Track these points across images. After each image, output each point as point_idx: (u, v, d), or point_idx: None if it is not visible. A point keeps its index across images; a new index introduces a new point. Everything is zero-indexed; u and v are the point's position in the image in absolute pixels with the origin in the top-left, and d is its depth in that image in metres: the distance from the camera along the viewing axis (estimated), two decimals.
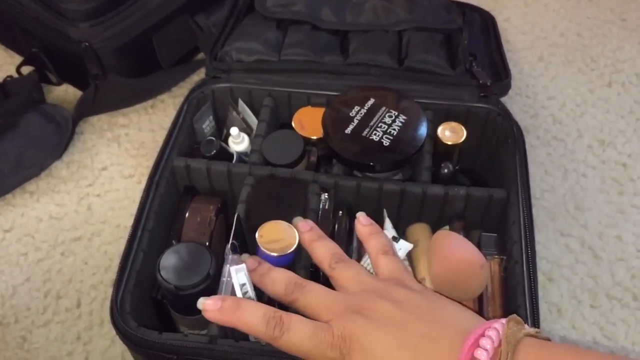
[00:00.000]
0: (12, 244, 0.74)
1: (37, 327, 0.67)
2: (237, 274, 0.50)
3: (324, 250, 0.48)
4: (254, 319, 0.42)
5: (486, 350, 0.35)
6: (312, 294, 0.44)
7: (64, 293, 0.70)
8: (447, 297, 0.43)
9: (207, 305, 0.43)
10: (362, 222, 0.51)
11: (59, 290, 0.70)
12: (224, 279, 0.51)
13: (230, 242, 0.52)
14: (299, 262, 0.56)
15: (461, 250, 0.55)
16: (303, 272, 0.55)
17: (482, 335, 0.36)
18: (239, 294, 0.49)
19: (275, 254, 0.54)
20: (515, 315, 0.38)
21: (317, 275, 0.57)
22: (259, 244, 0.54)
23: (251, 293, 0.50)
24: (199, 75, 0.92)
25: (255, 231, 0.56)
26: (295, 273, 0.55)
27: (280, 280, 0.46)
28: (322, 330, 0.41)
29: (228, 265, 0.51)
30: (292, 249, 0.54)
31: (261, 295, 0.51)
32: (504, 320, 0.37)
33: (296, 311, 0.45)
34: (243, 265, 0.50)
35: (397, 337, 0.39)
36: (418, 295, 0.42)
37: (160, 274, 0.52)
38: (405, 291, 0.42)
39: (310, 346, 0.40)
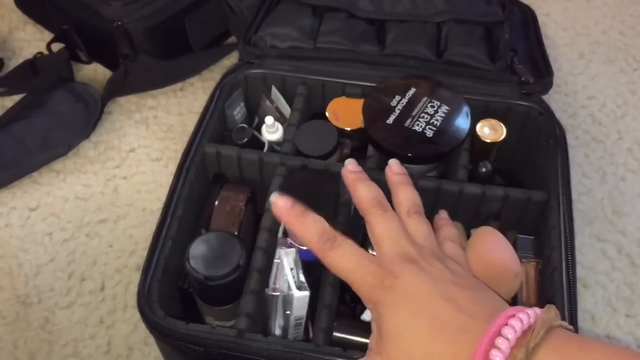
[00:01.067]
0: (37, 223, 0.74)
1: (60, 309, 0.67)
2: (287, 256, 0.50)
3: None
4: (311, 228, 0.42)
5: (521, 322, 0.35)
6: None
7: (88, 275, 0.69)
8: None
9: (279, 201, 0.44)
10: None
11: (83, 272, 0.70)
12: (275, 260, 0.51)
13: (282, 225, 0.52)
14: None
15: (499, 253, 0.53)
16: None
17: (520, 311, 0.36)
18: (289, 277, 0.49)
19: (305, 247, 0.52)
20: (553, 306, 0.37)
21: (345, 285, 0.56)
22: (289, 237, 0.53)
23: (302, 277, 0.49)
24: (229, 59, 0.91)
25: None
26: (326, 273, 0.55)
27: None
28: (370, 259, 0.41)
29: (280, 248, 0.51)
30: None
31: (310, 279, 0.51)
32: (539, 309, 0.37)
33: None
34: (293, 250, 0.50)
35: (444, 290, 0.39)
36: (464, 269, 0.43)
37: (190, 264, 0.51)
38: (451, 262, 0.43)
39: (354, 267, 0.41)
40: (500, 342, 0.34)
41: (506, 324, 0.35)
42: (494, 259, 0.52)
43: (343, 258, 0.41)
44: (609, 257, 0.71)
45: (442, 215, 0.51)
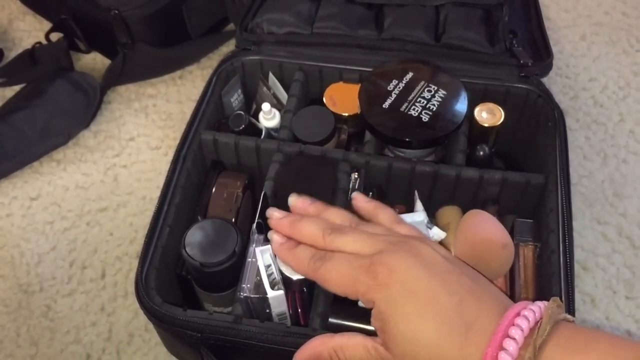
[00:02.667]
0: (38, 212, 0.74)
1: (61, 297, 0.67)
2: (263, 254, 0.49)
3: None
4: (301, 256, 0.43)
5: (527, 320, 0.35)
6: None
7: (89, 263, 0.70)
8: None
9: (275, 236, 0.46)
10: (361, 199, 0.49)
11: (84, 260, 0.70)
12: (249, 259, 0.50)
13: (256, 221, 0.51)
14: None
15: (484, 229, 0.52)
16: None
17: (524, 308, 0.36)
18: (264, 275, 0.48)
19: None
20: (557, 298, 0.37)
21: None
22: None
23: (276, 275, 0.49)
24: (228, 46, 0.90)
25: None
26: None
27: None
28: (360, 258, 0.40)
29: (254, 246, 0.50)
30: None
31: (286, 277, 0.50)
32: (543, 303, 0.37)
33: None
34: (269, 247, 0.49)
35: (443, 282, 0.38)
36: (454, 257, 0.42)
37: (186, 251, 0.51)
38: (441, 249, 0.42)
39: (345, 272, 0.40)
40: (508, 343, 0.34)
41: (513, 324, 0.35)
42: (479, 235, 0.52)
43: (333, 269, 0.41)
44: (609, 240, 0.70)
45: (362, 198, 0.49)
